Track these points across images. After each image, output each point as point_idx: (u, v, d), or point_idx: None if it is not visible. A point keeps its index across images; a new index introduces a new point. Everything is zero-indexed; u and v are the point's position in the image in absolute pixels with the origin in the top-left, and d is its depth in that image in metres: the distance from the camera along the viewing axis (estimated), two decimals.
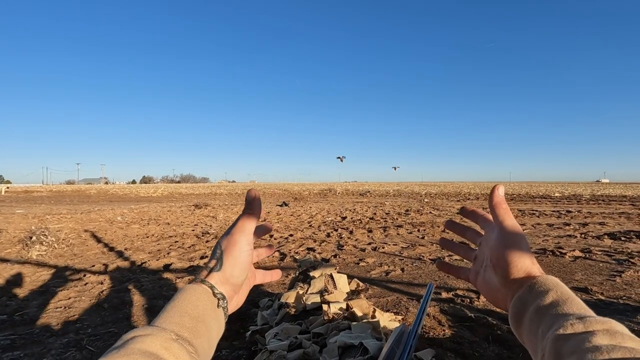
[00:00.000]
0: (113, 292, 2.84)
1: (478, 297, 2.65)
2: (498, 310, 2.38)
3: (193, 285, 0.46)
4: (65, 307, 2.51)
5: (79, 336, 2.06)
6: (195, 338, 0.40)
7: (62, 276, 3.34)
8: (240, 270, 0.49)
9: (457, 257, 4.03)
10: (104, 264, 3.76)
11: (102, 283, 3.08)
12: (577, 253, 4.16)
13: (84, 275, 3.33)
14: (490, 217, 0.51)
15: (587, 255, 4.06)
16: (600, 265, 3.66)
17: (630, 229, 6.24)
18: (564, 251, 4.25)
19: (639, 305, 2.46)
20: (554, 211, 9.65)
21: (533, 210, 10.09)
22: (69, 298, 2.70)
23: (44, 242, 4.54)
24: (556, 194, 19.38)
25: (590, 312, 0.38)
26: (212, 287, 0.47)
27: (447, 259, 3.94)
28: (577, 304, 0.39)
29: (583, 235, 5.48)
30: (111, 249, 4.64)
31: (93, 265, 3.72)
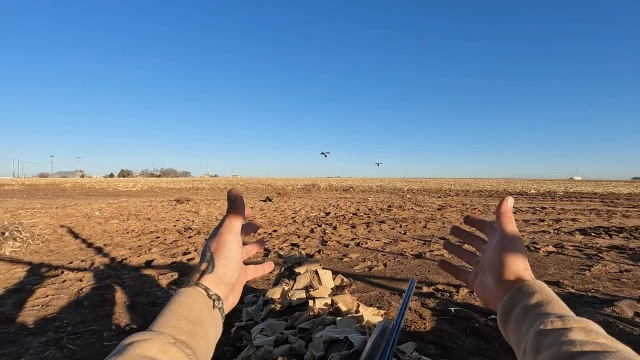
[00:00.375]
0: (93, 289, 2.78)
1: (457, 292, 2.74)
2: (476, 304, 2.48)
3: (187, 289, 0.46)
4: (42, 305, 2.44)
5: (59, 335, 2.01)
6: (192, 340, 0.41)
7: (38, 273, 3.24)
8: (233, 270, 0.50)
9: (446, 255, 4.14)
10: (82, 260, 3.67)
11: (81, 280, 3.01)
12: (551, 248, 4.34)
13: (62, 272, 3.24)
14: (494, 225, 0.55)
15: (560, 250, 4.25)
16: (572, 259, 3.84)
17: (599, 225, 6.56)
18: (538, 246, 4.43)
19: (605, 298, 2.60)
20: (529, 207, 10.01)
21: None
22: (47, 296, 2.63)
23: (17, 238, 4.39)
24: (532, 191, 20.07)
25: (570, 312, 0.42)
26: (206, 289, 0.47)
27: (441, 255, 4.04)
28: (559, 305, 0.43)
29: (556, 231, 5.72)
30: (90, 245, 4.52)
31: (71, 262, 3.62)
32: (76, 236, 5.16)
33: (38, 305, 2.44)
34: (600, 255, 4.00)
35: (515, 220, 5.40)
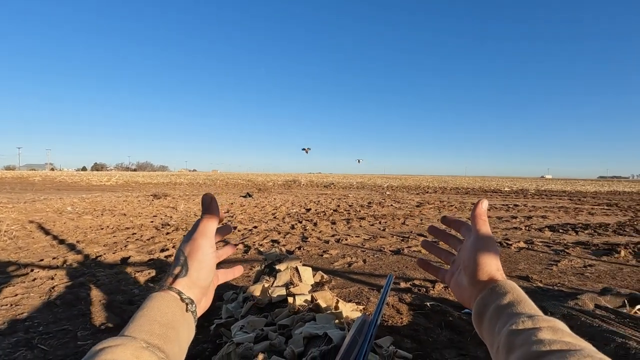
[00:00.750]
0: (66, 287, 2.69)
1: (433, 287, 2.83)
2: (451, 298, 2.57)
3: (160, 293, 0.46)
4: (11, 305, 2.35)
5: (29, 335, 1.95)
6: (165, 344, 0.41)
7: (5, 272, 3.10)
8: (207, 273, 0.51)
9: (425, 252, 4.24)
10: (54, 258, 3.55)
11: (52, 278, 2.91)
12: (522, 244, 4.54)
13: (32, 270, 3.12)
14: (469, 226, 0.58)
15: (530, 246, 4.45)
16: (541, 255, 4.02)
17: (567, 222, 6.89)
18: (510, 242, 4.62)
19: (570, 292, 2.75)
20: (503, 205, 10.38)
21: None
22: (16, 295, 2.53)
23: None
24: (506, 189, 20.79)
25: (539, 312, 0.45)
26: (179, 293, 0.47)
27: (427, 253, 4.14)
28: (529, 305, 0.45)
29: (527, 228, 5.97)
30: (61, 242, 4.37)
31: (42, 260, 3.49)
32: (47, 232, 4.96)
33: (7, 305, 2.35)
34: (567, 251, 4.21)
35: (489, 217, 5.60)
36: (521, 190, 19.79)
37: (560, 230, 5.74)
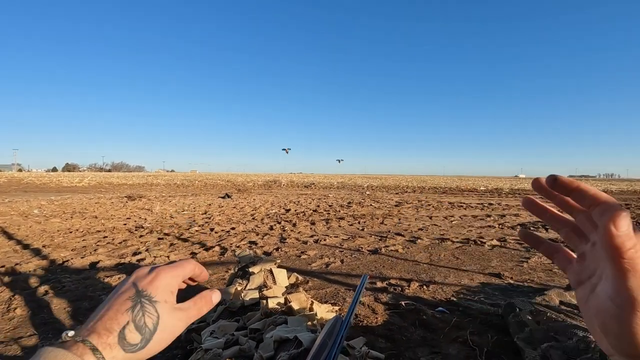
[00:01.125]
0: (27, 295, 2.56)
1: (409, 286, 2.86)
2: (425, 297, 2.60)
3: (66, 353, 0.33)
4: None
5: None
6: None
7: None
8: (166, 344, 0.41)
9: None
10: (16, 264, 3.36)
11: (14, 286, 2.76)
12: (495, 242, 4.67)
13: None
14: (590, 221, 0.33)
15: (503, 244, 4.58)
16: (512, 252, 4.15)
17: (538, 220, 7.13)
18: (484, 240, 4.74)
19: (539, 287, 2.85)
20: (478, 204, 10.66)
21: (461, 202, 11.04)
22: None
23: None
24: (482, 188, 21.39)
25: None
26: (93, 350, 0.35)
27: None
28: None
29: (501, 226, 6.15)
30: (26, 247, 4.15)
31: (2, 266, 3.30)
32: (10, 237, 4.71)
33: None
34: None
35: (465, 215, 5.74)
36: (496, 189, 20.41)
37: (532, 228, 5.94)
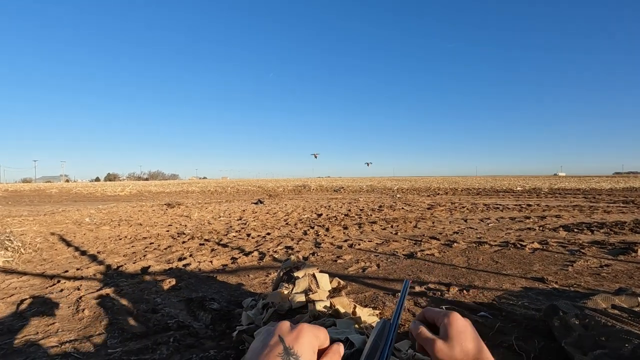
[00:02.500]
0: (92, 297, 2.81)
1: (448, 290, 2.85)
2: (466, 301, 2.60)
3: None
4: (42, 315, 2.47)
5: (62, 343, 2.05)
6: None
7: (34, 283, 3.24)
8: None
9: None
10: (77, 269, 3.68)
11: (78, 289, 3.03)
12: (536, 245, 4.52)
13: (58, 281, 3.25)
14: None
15: (545, 247, 4.43)
16: (556, 256, 4.00)
17: (582, 221, 6.80)
18: (524, 243, 4.60)
19: (586, 292, 2.75)
20: (515, 205, 10.27)
21: (497, 204, 10.68)
22: (46, 305, 2.65)
23: (9, 248, 4.35)
24: (518, 188, 20.52)
25: None
26: None
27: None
28: None
29: (541, 228, 5.92)
30: (83, 253, 4.51)
31: (66, 271, 3.62)
32: (68, 244, 5.13)
33: (38, 316, 2.46)
34: (583, 251, 4.18)
35: (502, 217, 5.60)
36: (534, 189, 19.52)
37: (575, 230, 5.68)
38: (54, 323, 2.34)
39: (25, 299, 2.77)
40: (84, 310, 2.54)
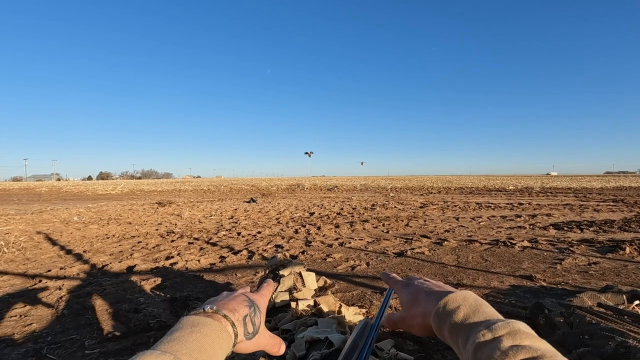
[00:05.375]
0: (73, 297, 2.74)
1: None
2: None
3: (213, 321, 0.44)
4: (20, 316, 2.40)
5: (38, 345, 1.98)
6: None
7: (14, 283, 3.16)
8: (251, 349, 0.52)
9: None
10: (61, 268, 3.60)
11: (60, 288, 2.96)
12: (526, 243, 4.53)
13: (40, 281, 3.17)
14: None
15: (534, 245, 4.44)
16: (545, 254, 4.01)
17: (572, 219, 6.85)
18: (514, 242, 4.61)
19: (574, 290, 2.75)
20: (507, 204, 10.33)
21: (489, 203, 10.74)
22: (24, 306, 2.58)
23: None
24: (510, 187, 20.69)
25: (497, 315, 0.46)
26: (236, 335, 0.46)
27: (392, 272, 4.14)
28: (484, 313, 0.45)
29: (532, 226, 5.95)
30: (68, 252, 4.42)
31: (49, 270, 3.54)
32: (54, 243, 5.03)
33: (15, 316, 2.39)
34: (571, 249, 4.20)
35: (494, 216, 5.61)
36: (526, 188, 19.68)
37: (565, 228, 5.72)
38: (31, 324, 2.27)
39: (4, 299, 2.69)
40: (63, 310, 2.48)
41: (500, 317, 0.45)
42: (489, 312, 0.46)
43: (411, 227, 6.15)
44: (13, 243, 4.76)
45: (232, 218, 7.78)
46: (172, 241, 5.06)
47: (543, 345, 0.39)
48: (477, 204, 10.42)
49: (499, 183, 28.16)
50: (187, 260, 3.87)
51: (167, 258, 4.02)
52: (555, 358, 0.37)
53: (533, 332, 0.42)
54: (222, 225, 6.70)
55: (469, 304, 0.47)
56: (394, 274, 0.69)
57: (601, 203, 10.38)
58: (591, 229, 5.66)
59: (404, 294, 0.61)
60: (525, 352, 0.37)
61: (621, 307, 1.83)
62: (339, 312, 1.84)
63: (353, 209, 9.37)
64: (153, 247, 4.64)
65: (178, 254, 4.19)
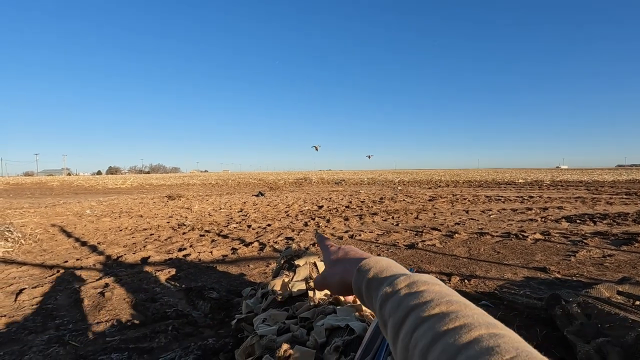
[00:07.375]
0: (91, 287, 2.80)
1: (449, 279, 2.83)
2: (467, 290, 2.58)
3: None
4: (41, 304, 2.46)
5: (60, 332, 2.03)
6: None
7: (33, 273, 3.24)
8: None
9: (429, 242, 4.23)
10: (77, 259, 3.67)
11: (77, 279, 3.02)
12: (538, 236, 4.49)
13: (58, 272, 3.24)
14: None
15: (547, 238, 4.40)
16: (558, 246, 3.98)
17: (584, 212, 6.76)
18: (526, 234, 4.57)
19: (589, 282, 2.72)
20: (517, 197, 10.23)
21: (499, 196, 10.64)
22: (44, 295, 2.64)
23: (9, 239, 4.35)
24: (520, 180, 20.44)
25: (402, 271, 0.46)
26: None
27: (420, 245, 4.14)
28: (391, 271, 0.46)
29: (543, 219, 5.88)
30: (83, 244, 4.51)
31: (66, 261, 3.62)
32: (68, 235, 5.12)
33: (36, 305, 2.45)
34: (585, 241, 4.15)
35: (504, 209, 5.55)
36: (536, 181, 19.44)
37: (578, 221, 5.65)
38: (52, 312, 2.33)
39: (24, 289, 2.76)
40: (82, 299, 2.53)
41: (408, 272, 0.46)
42: (397, 270, 0.47)
43: (421, 219, 6.13)
44: (30, 235, 4.86)
45: (241, 211, 7.83)
46: (184, 233, 5.12)
47: (439, 289, 0.39)
48: (487, 197, 10.33)
49: (508, 176, 27.85)
50: (199, 252, 3.92)
51: (180, 250, 4.07)
52: (443, 299, 0.36)
53: (436, 281, 0.41)
54: (232, 218, 6.75)
55: (381, 265, 0.49)
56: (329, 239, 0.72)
57: (614, 196, 10.21)
58: (605, 221, 5.59)
59: (329, 253, 0.63)
60: (415, 299, 0.38)
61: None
62: (355, 301, 1.84)
63: (361, 202, 9.36)
64: (165, 239, 4.70)
65: (190, 246, 4.24)
